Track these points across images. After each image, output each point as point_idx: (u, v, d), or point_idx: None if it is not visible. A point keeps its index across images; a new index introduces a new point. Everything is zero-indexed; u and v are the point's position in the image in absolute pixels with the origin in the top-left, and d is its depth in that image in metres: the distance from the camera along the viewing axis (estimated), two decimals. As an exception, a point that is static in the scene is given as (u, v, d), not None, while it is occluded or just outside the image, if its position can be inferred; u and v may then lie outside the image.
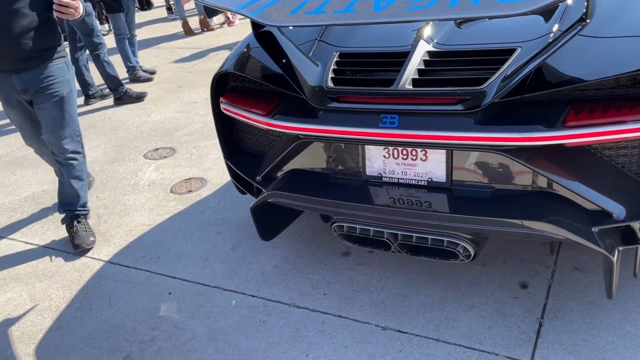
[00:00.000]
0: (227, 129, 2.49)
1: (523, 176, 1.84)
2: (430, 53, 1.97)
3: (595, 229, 1.74)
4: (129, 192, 3.43)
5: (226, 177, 3.45)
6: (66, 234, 3.00)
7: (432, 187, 1.95)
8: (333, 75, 2.02)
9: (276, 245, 2.69)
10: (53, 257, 2.84)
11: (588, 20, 1.76)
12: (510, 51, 1.83)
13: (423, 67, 1.92)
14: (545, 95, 1.75)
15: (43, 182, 3.73)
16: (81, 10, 2.52)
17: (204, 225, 2.95)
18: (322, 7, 1.80)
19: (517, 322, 2.05)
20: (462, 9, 1.56)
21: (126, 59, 5.84)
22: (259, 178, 2.35)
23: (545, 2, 1.45)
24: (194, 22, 8.62)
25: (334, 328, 2.13)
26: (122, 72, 6.04)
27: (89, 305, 2.44)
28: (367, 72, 2.02)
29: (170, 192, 3.37)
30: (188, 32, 8.00)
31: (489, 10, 1.52)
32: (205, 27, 8.16)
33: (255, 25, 2.25)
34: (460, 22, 2.12)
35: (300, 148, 2.16)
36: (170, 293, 2.45)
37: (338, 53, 2.12)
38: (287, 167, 2.28)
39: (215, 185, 3.37)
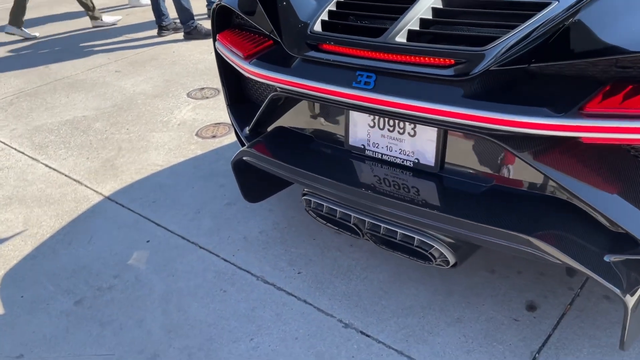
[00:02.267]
0: (228, 73, 2.23)
1: (525, 174, 1.42)
2: (444, 1, 1.55)
3: (610, 259, 1.31)
4: (158, 129, 3.31)
5: (255, 126, 3.22)
6: (83, 166, 2.97)
7: (418, 170, 1.59)
8: (325, 19, 1.68)
9: (272, 209, 2.44)
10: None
11: None
12: (543, 5, 1.37)
13: (429, 17, 1.52)
14: (559, 68, 1.30)
15: (88, 107, 3.72)
16: None
17: (211, 175, 2.76)
18: None
19: (505, 352, 1.66)
20: None
21: (184, 14, 5.62)
22: (246, 131, 2.10)
23: None
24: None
25: (292, 314, 1.87)
26: (200, 7, 5.94)
27: (69, 239, 2.36)
28: (367, 20, 1.66)
29: (196, 134, 3.21)
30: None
31: None
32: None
33: None
34: None
35: (277, 103, 1.87)
36: (148, 241, 2.31)
37: None
38: (276, 124, 2.00)
39: (241, 134, 3.16)
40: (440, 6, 1.57)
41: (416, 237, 1.55)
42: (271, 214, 2.41)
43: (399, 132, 1.61)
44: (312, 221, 2.32)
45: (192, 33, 5.08)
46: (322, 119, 1.84)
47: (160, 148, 3.09)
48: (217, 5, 2.07)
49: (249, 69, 1.82)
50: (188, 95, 3.81)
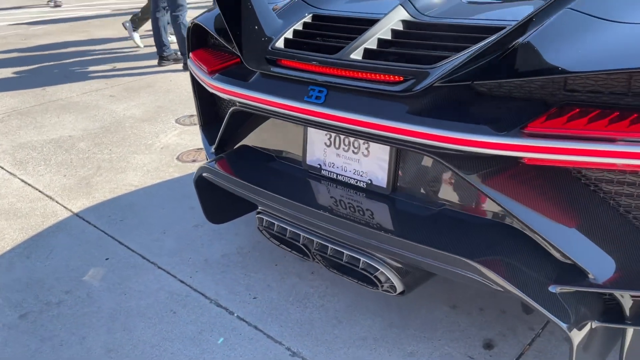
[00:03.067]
0: (201, 92, 2.20)
1: (473, 199, 1.37)
2: (404, 23, 1.56)
3: (555, 289, 1.23)
4: (140, 152, 3.29)
5: (236, 153, 3.20)
6: (59, 182, 2.94)
7: (370, 191, 1.55)
8: (289, 37, 1.68)
9: (238, 233, 2.38)
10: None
11: None
12: (496, 29, 1.35)
13: (388, 38, 1.51)
14: (504, 88, 1.27)
15: (76, 128, 3.73)
16: None
17: (183, 197, 2.72)
18: None
19: (456, 390, 1.56)
20: None
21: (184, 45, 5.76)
22: (212, 150, 2.06)
23: None
24: None
25: (240, 340, 1.78)
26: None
27: (29, 253, 2.31)
28: (329, 36, 1.66)
29: (176, 158, 3.19)
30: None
31: None
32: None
33: None
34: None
35: (238, 119, 1.86)
36: (107, 259, 2.25)
37: (311, 15, 1.77)
38: (241, 143, 1.97)
39: (222, 160, 3.13)
40: (400, 28, 1.56)
41: (361, 259, 1.49)
42: (237, 237, 2.35)
43: (353, 151, 1.57)
44: (276, 247, 2.26)
45: (191, 64, 5.14)
46: (282, 138, 1.81)
47: (138, 169, 3.06)
48: (191, 23, 2.08)
49: (211, 83, 1.81)
50: (176, 121, 3.81)
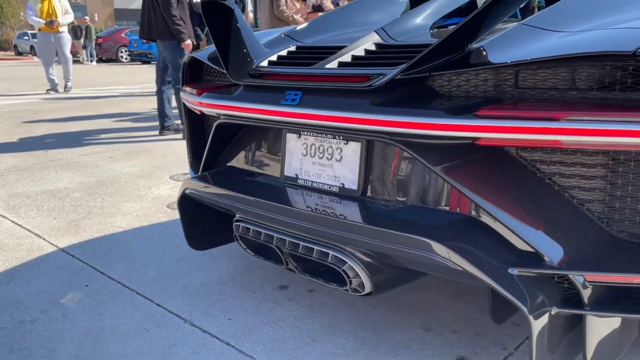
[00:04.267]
0: (192, 125, 2.35)
1: (435, 188, 1.46)
2: (375, 44, 1.81)
3: (514, 272, 1.27)
4: (132, 201, 3.37)
5: (225, 203, 3.28)
6: (48, 224, 3.00)
7: (342, 195, 1.63)
8: (272, 60, 1.90)
9: (219, 266, 2.40)
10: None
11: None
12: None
13: (359, 55, 1.74)
14: (461, 78, 1.40)
15: (72, 182, 3.83)
16: None
17: (169, 237, 2.76)
18: None
19: (426, 400, 1.52)
20: None
21: None
22: (198, 172, 2.16)
23: None
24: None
25: (210, 353, 1.76)
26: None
27: (9, 279, 2.32)
28: (307, 58, 1.85)
29: (167, 206, 3.26)
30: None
31: None
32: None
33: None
34: (430, 29, 1.94)
35: (226, 134, 1.99)
36: (87, 285, 2.25)
37: (294, 46, 2.03)
38: (222, 163, 2.07)
39: (211, 209, 3.20)
40: (373, 48, 1.72)
41: (330, 252, 1.53)
42: (217, 270, 2.37)
43: (327, 158, 1.67)
44: (257, 278, 2.27)
45: (190, 133, 5.35)
46: (262, 155, 1.92)
47: (128, 215, 3.12)
48: (187, 58, 2.26)
49: (198, 101, 1.95)
50: (171, 177, 3.92)
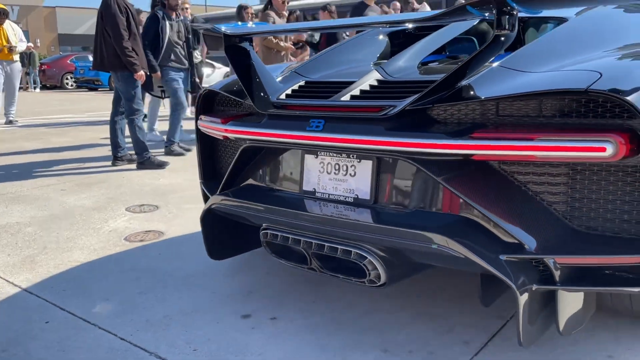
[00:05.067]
0: (205, 149, 2.70)
1: (435, 194, 1.84)
2: (378, 81, 2.16)
3: (503, 257, 1.64)
4: (88, 234, 3.36)
5: (184, 232, 3.32)
6: (1, 261, 2.95)
7: (357, 203, 1.96)
8: (289, 93, 2.24)
9: (181, 297, 2.44)
10: None
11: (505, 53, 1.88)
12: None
13: (366, 89, 2.09)
14: (458, 107, 1.79)
15: (24, 216, 3.78)
16: None
17: (130, 270, 2.77)
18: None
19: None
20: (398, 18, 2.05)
21: (172, 133, 6.08)
22: (217, 192, 2.37)
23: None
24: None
25: (178, 384, 1.80)
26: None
27: (-35, 319, 2.28)
28: (319, 92, 2.20)
29: (124, 239, 3.26)
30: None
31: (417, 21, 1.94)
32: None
33: (228, 42, 2.27)
34: (417, 63, 2.38)
35: (248, 157, 2.29)
36: (47, 322, 2.25)
37: (304, 81, 2.36)
38: (242, 182, 2.35)
39: (170, 240, 3.23)
40: (375, 83, 2.13)
41: (353, 250, 1.83)
42: (179, 300, 2.41)
43: (342, 174, 1.99)
44: (220, 308, 2.33)
45: (145, 164, 5.35)
46: (280, 173, 2.23)
47: (85, 249, 3.11)
48: (203, 91, 2.58)
49: (227, 129, 2.26)
50: (127, 209, 3.92)
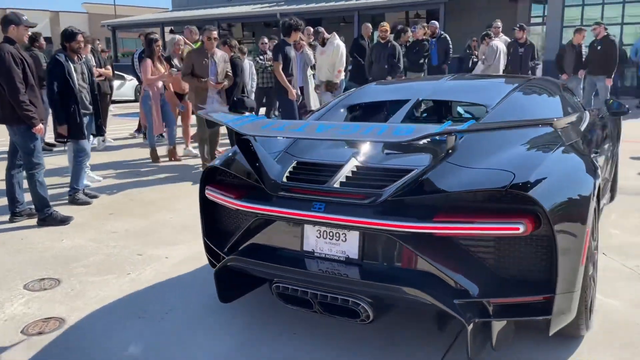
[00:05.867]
0: (207, 212, 3.22)
1: (409, 258, 2.52)
2: (357, 167, 2.77)
3: (456, 301, 2.35)
4: (-20, 326, 3.18)
5: (87, 315, 3.25)
6: None
7: (347, 262, 2.61)
8: (288, 175, 2.83)
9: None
10: None
11: (450, 152, 2.64)
12: (407, 171, 2.59)
13: (350, 175, 2.71)
14: (423, 199, 2.50)
15: None
16: None
17: (25, 377, 2.67)
18: (283, 127, 2.76)
19: None
20: (370, 136, 2.55)
21: (75, 180, 5.86)
22: (225, 250, 3.03)
23: (420, 134, 2.40)
24: (162, 151, 8.56)
25: None
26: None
27: None
28: (312, 174, 2.80)
29: (21, 332, 3.13)
30: (155, 159, 8.16)
31: (387, 138, 2.50)
32: (172, 157, 8.32)
33: (238, 135, 2.85)
34: (381, 148, 2.94)
35: (257, 225, 2.85)
36: None
37: (296, 162, 2.94)
38: (248, 243, 2.92)
39: (71, 328, 3.14)
40: (356, 170, 2.74)
41: (350, 299, 2.51)
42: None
43: (336, 239, 2.64)
44: None
45: (47, 220, 5.12)
46: (284, 237, 2.82)
47: (-23, 348, 2.95)
48: (209, 166, 3.14)
49: (239, 204, 2.84)
50: (25, 286, 3.75)
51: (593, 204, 2.66)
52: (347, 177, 2.67)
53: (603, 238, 4.00)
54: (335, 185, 2.62)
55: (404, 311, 3.05)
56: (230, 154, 3.20)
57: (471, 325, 2.29)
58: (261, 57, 10.58)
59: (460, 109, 4.69)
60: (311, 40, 9.85)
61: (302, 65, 8.57)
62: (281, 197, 2.70)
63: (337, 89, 8.92)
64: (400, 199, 2.48)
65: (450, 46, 10.62)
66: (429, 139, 2.73)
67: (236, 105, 7.45)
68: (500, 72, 9.72)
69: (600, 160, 3.68)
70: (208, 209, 3.20)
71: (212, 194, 3.03)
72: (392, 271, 2.52)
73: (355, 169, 2.73)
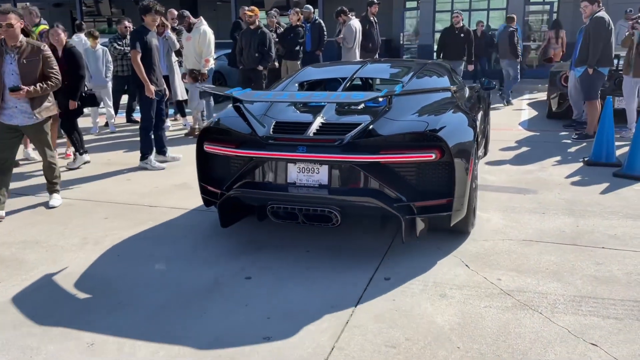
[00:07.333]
0: (202, 163, 4.32)
1: (365, 179, 3.77)
2: (322, 123, 3.96)
3: (395, 205, 3.66)
4: None
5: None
6: None
7: (321, 186, 3.84)
8: (273, 129, 3.98)
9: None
10: None
11: (387, 109, 3.98)
12: (359, 123, 3.85)
13: (319, 128, 3.90)
14: (372, 140, 3.75)
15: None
16: None
17: None
18: (271, 94, 4.29)
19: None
20: (336, 99, 3.95)
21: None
22: (224, 188, 4.10)
23: (370, 97, 3.84)
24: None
25: None
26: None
27: None
28: (291, 128, 3.97)
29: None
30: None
31: (348, 100, 3.90)
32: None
33: (234, 101, 4.21)
34: (339, 110, 4.14)
35: (254, 166, 3.99)
36: None
37: (275, 121, 4.09)
38: (244, 181, 4.05)
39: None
40: (322, 125, 3.92)
41: (326, 209, 3.70)
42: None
43: (310, 172, 3.84)
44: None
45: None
46: (272, 173, 3.96)
47: None
48: (210, 122, 4.35)
49: (237, 151, 3.96)
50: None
51: (474, 145, 4.10)
52: (316, 129, 3.81)
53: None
54: (310, 135, 3.76)
55: (352, 221, 4.44)
56: (215, 120, 4.32)
57: (404, 221, 3.58)
58: (119, 42, 9.30)
59: (382, 85, 6.31)
60: (175, 24, 9.20)
61: (166, 51, 8.08)
62: (271, 144, 3.81)
63: (205, 80, 8.28)
64: (357, 141, 3.68)
65: (325, 32, 10.49)
66: (373, 102, 4.05)
67: (84, 102, 6.75)
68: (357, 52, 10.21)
69: (478, 119, 5.29)
70: (202, 160, 4.27)
71: (211, 147, 4.11)
72: (353, 189, 3.75)
73: (321, 124, 3.87)
